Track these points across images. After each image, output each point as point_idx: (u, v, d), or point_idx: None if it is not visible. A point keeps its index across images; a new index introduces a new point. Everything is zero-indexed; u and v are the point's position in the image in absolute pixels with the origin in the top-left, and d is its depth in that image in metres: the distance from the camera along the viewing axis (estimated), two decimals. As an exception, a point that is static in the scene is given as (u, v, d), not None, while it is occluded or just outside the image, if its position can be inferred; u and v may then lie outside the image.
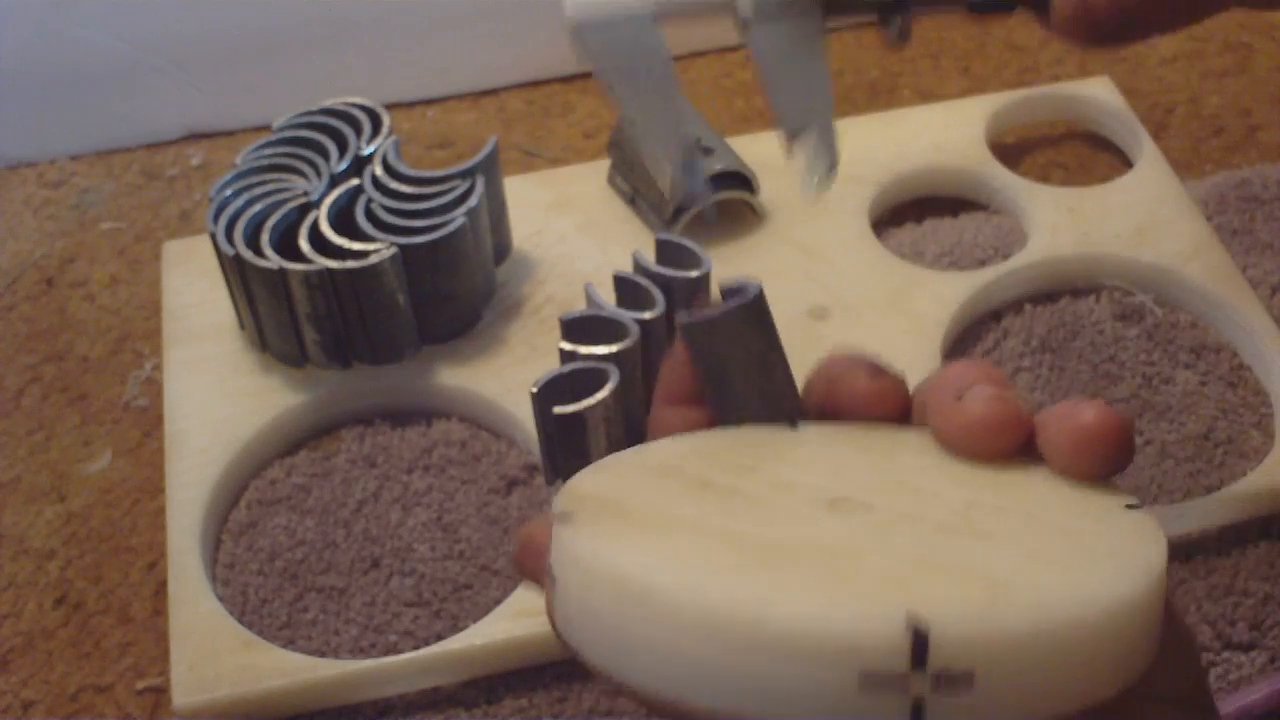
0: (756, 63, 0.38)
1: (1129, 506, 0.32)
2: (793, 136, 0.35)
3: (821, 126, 0.35)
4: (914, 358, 0.66)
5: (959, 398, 0.33)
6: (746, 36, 0.39)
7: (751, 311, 0.34)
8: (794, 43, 0.39)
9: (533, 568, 0.35)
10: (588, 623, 0.30)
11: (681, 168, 0.35)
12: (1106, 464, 0.32)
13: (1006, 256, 0.71)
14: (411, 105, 0.84)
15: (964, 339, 0.69)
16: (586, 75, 0.83)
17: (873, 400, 0.34)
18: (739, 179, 0.71)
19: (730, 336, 0.34)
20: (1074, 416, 0.32)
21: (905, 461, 0.33)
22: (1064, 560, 0.30)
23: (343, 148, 0.68)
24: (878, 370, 0.35)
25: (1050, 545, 0.30)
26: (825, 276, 0.70)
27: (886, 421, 0.35)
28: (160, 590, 0.62)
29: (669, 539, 0.30)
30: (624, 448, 0.36)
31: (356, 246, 0.64)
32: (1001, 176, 0.75)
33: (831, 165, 0.35)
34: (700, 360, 0.35)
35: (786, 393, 0.35)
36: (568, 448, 0.57)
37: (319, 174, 0.68)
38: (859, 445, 0.34)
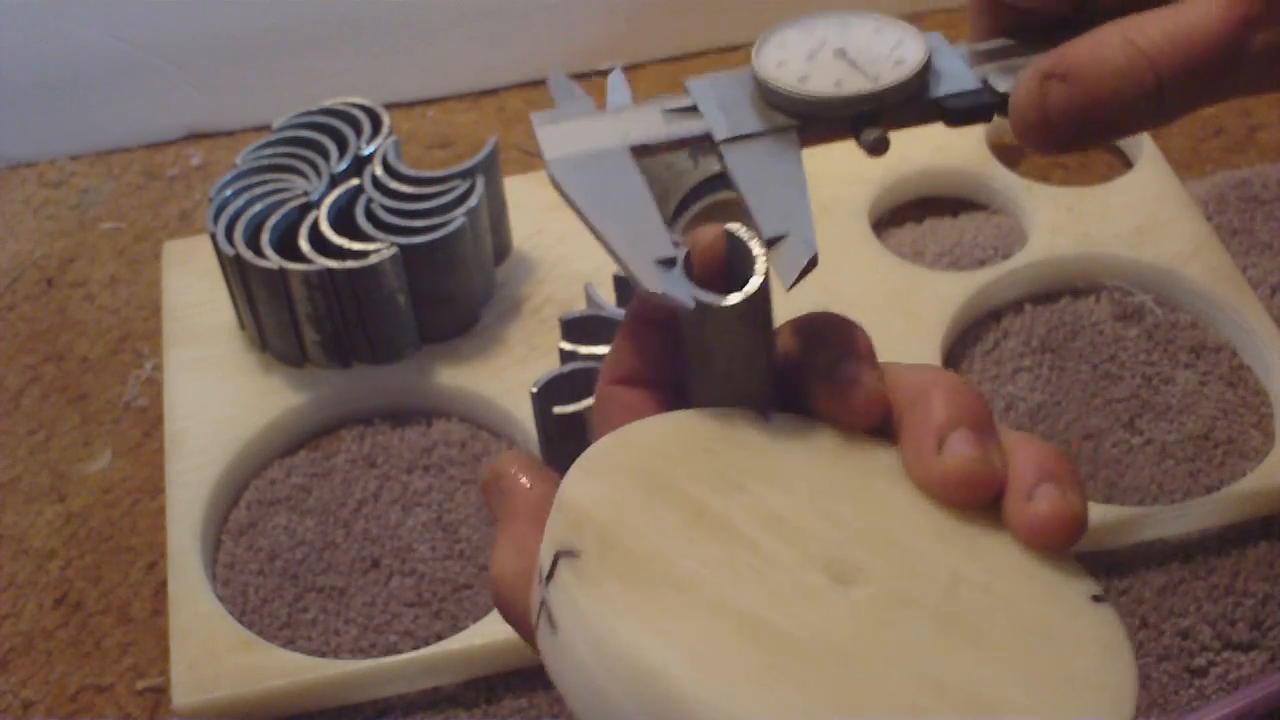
0: (733, 177, 0.38)
1: (1095, 598, 0.33)
2: (771, 242, 0.35)
3: (799, 227, 0.35)
4: (914, 358, 0.66)
5: (939, 444, 0.33)
6: (722, 157, 0.39)
7: (753, 304, 0.34)
8: (771, 158, 0.39)
9: (496, 505, 0.36)
10: (588, 688, 0.30)
11: (655, 274, 0.35)
12: (1057, 548, 0.33)
13: (1006, 256, 0.71)
14: (411, 105, 0.84)
15: (964, 339, 0.69)
16: (587, 76, 0.83)
17: (860, 418, 0.35)
18: (739, 179, 0.71)
19: (725, 326, 0.34)
20: (1028, 509, 0.33)
21: (883, 495, 0.34)
22: (1046, 688, 0.30)
23: (343, 148, 0.68)
24: (875, 385, 0.34)
25: (1033, 662, 0.31)
26: (825, 276, 0.70)
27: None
28: (160, 590, 0.62)
29: (679, 615, 0.30)
30: None
31: (356, 246, 0.64)
32: (1001, 176, 0.75)
33: (810, 264, 0.35)
34: (690, 340, 0.35)
35: (765, 383, 0.35)
36: (568, 448, 0.57)
37: (319, 174, 0.68)
38: (836, 464, 0.34)
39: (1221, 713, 0.55)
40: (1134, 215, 0.72)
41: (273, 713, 0.57)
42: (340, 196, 0.66)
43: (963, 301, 0.68)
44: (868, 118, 0.40)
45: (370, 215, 0.65)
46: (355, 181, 0.67)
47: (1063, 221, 0.72)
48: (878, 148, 0.41)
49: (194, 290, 0.71)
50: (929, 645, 0.31)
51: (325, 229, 0.65)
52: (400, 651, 0.58)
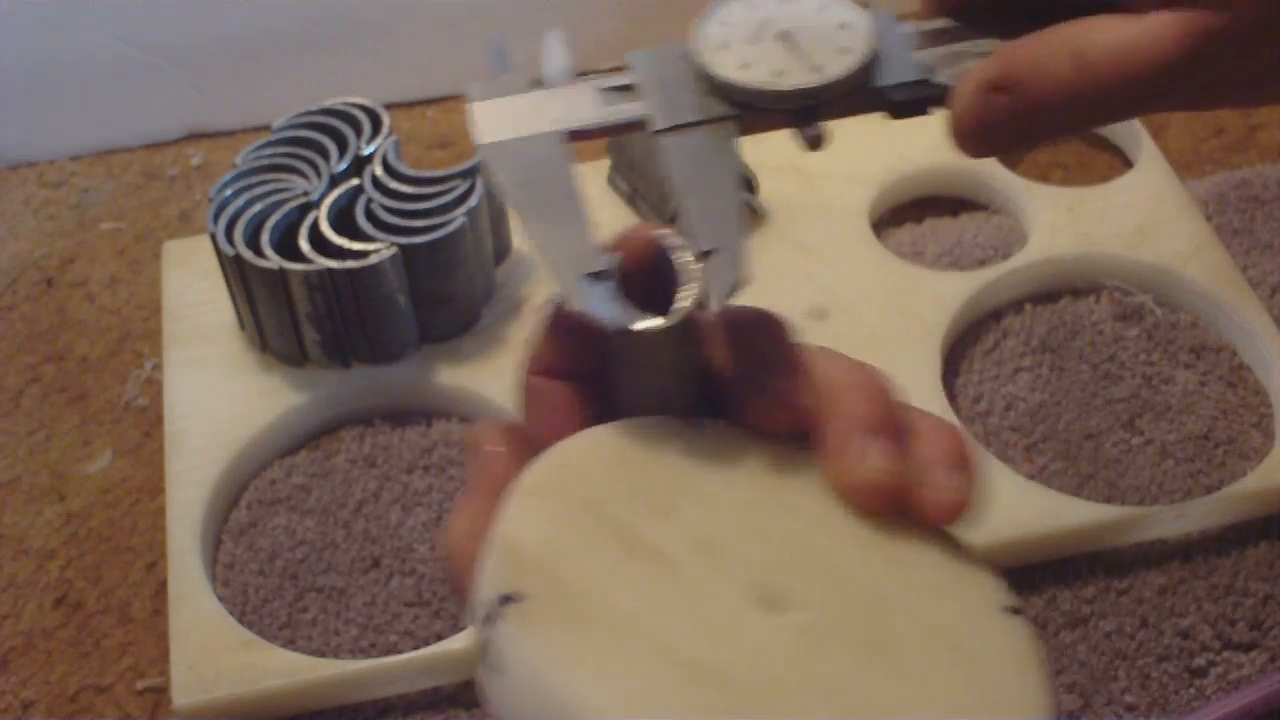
0: (668, 174, 0.38)
1: (1010, 610, 0.34)
2: (702, 256, 0.35)
3: (730, 247, 0.35)
4: (914, 358, 0.66)
5: (853, 451, 0.34)
6: (659, 148, 0.39)
7: (681, 327, 0.34)
8: (707, 153, 0.38)
9: (468, 472, 0.36)
10: None
11: (581, 290, 0.34)
12: (944, 525, 0.34)
13: (1006, 256, 0.71)
14: (411, 105, 0.84)
15: (964, 339, 0.69)
16: (587, 76, 0.83)
17: (783, 427, 0.35)
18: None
19: (652, 346, 0.34)
20: (924, 494, 0.34)
21: (809, 502, 0.34)
22: (963, 710, 0.31)
23: (343, 148, 0.68)
24: (798, 397, 0.35)
25: (951, 684, 0.32)
26: (825, 276, 0.70)
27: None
28: (160, 590, 0.62)
29: (617, 658, 0.30)
30: None
31: (356, 246, 0.64)
32: (1001, 176, 0.75)
33: (735, 285, 0.34)
34: (617, 353, 0.35)
35: (694, 393, 0.36)
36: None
37: (319, 174, 0.68)
38: (764, 472, 0.35)
39: (1221, 713, 0.55)
40: (1134, 215, 0.72)
41: (273, 713, 0.57)
42: (340, 196, 0.66)
43: (963, 301, 0.68)
44: (809, 111, 0.40)
45: (370, 215, 0.65)
46: (355, 181, 0.67)
47: (1063, 221, 0.72)
48: (816, 144, 0.40)
49: (194, 290, 0.71)
50: (853, 673, 0.31)
51: (325, 229, 0.65)
52: (400, 651, 0.58)
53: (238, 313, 0.68)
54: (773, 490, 0.35)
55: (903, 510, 0.34)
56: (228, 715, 0.56)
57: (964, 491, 0.34)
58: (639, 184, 0.72)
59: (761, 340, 0.35)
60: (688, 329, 0.34)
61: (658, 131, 0.39)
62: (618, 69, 0.41)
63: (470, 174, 0.67)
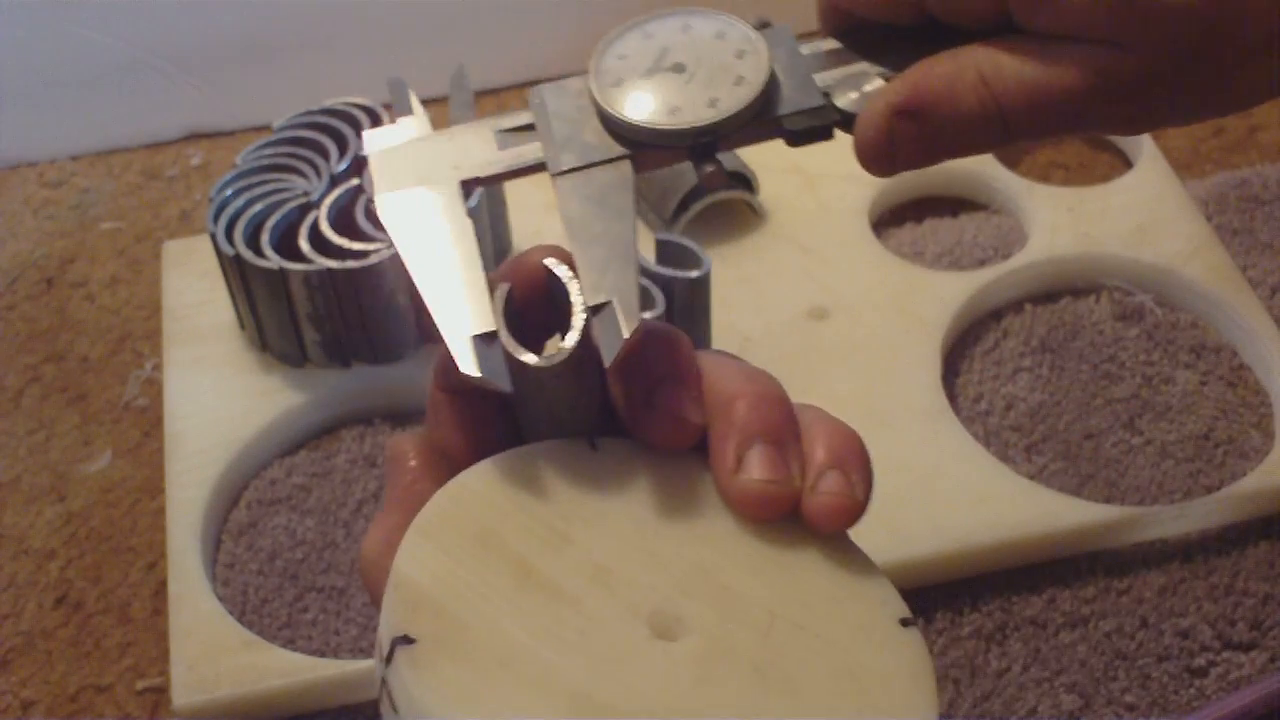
0: (562, 216, 0.37)
1: (903, 622, 0.34)
2: (594, 310, 0.35)
3: (623, 295, 0.35)
4: (914, 358, 0.66)
5: (739, 461, 0.34)
6: (556, 189, 0.38)
7: (571, 361, 0.34)
8: (601, 195, 0.38)
9: (387, 483, 0.37)
10: None
11: (469, 353, 0.34)
12: (836, 531, 0.35)
13: (1006, 256, 0.71)
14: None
15: (964, 339, 0.69)
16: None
17: (677, 444, 0.35)
18: (739, 179, 0.71)
19: (544, 380, 0.35)
20: (813, 498, 0.34)
21: (703, 520, 0.35)
22: None
23: (343, 148, 0.68)
24: (689, 414, 0.35)
25: (842, 703, 0.32)
26: (825, 276, 0.70)
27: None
28: (160, 590, 0.62)
29: (510, 698, 0.31)
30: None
31: (356, 246, 0.64)
32: (1001, 176, 0.75)
33: (625, 341, 0.34)
34: (518, 390, 0.35)
35: (592, 417, 0.36)
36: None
37: (319, 174, 0.68)
38: (659, 492, 0.35)
39: (1221, 713, 0.55)
40: (1134, 215, 0.72)
41: (273, 713, 0.57)
42: (340, 196, 0.66)
43: (963, 301, 0.68)
44: (705, 146, 0.39)
45: (370, 215, 0.65)
46: (355, 181, 0.67)
47: (1063, 221, 0.72)
48: (713, 180, 0.39)
49: (194, 290, 0.71)
50: (745, 698, 0.32)
51: (325, 229, 0.65)
52: (400, 651, 0.58)
53: (238, 313, 0.68)
54: (670, 509, 0.35)
55: (793, 517, 0.34)
56: (228, 715, 0.56)
57: (848, 496, 0.34)
58: (639, 184, 0.72)
59: (651, 356, 0.35)
60: (580, 361, 0.35)
61: (554, 177, 0.38)
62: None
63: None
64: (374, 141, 0.40)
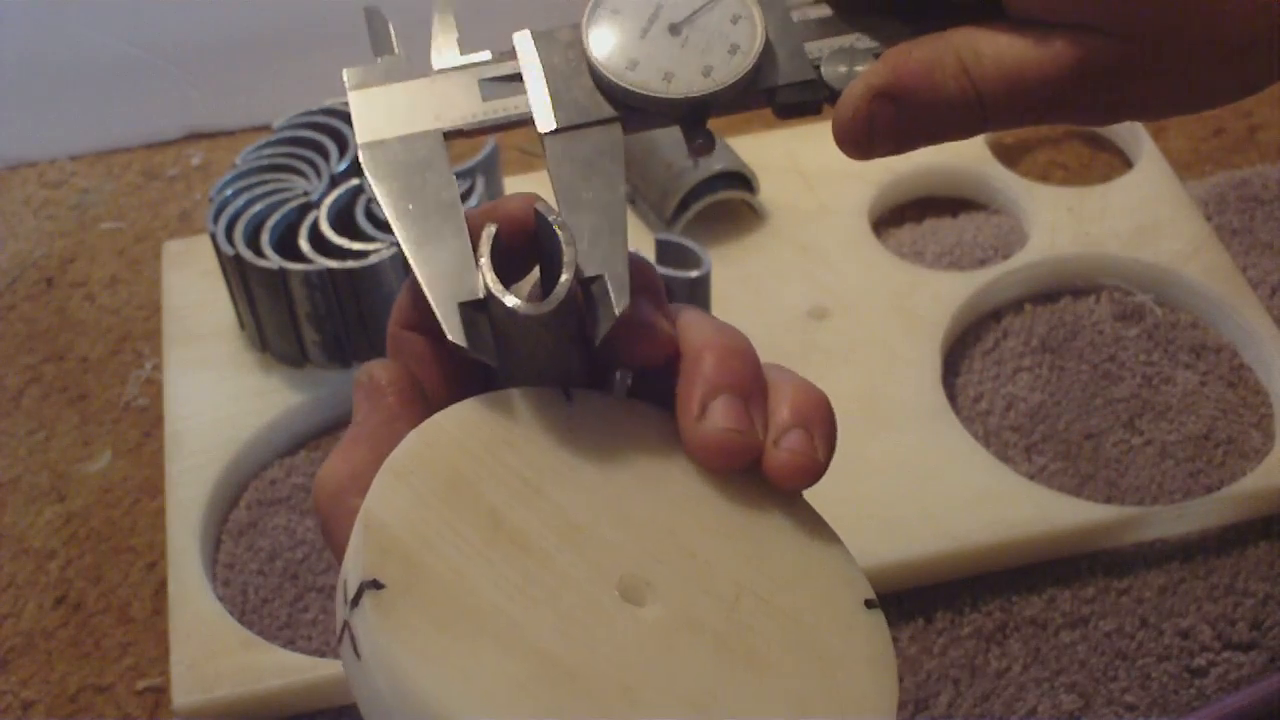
0: (551, 176, 0.37)
1: (868, 603, 0.34)
2: (587, 281, 0.34)
3: (614, 270, 0.34)
4: (914, 358, 0.66)
5: (703, 410, 0.34)
6: (544, 150, 0.38)
7: (557, 314, 0.34)
8: (593, 160, 0.37)
9: (355, 410, 0.37)
10: (385, 717, 0.31)
11: (456, 321, 0.34)
12: (795, 490, 0.35)
13: (1006, 256, 0.71)
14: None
15: (964, 339, 0.69)
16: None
17: (651, 360, 0.35)
18: (739, 179, 0.71)
19: (529, 327, 0.34)
20: (775, 454, 0.34)
21: (674, 480, 0.35)
22: (812, 710, 0.32)
23: (343, 148, 0.68)
24: (663, 328, 0.35)
25: (803, 683, 0.32)
26: (825, 276, 0.70)
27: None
28: (160, 590, 0.62)
29: (476, 653, 0.31)
30: None
31: (356, 246, 0.64)
32: (1001, 176, 0.75)
33: (618, 315, 0.34)
34: (498, 333, 0.35)
35: (570, 367, 0.36)
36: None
37: (319, 174, 0.68)
38: (632, 448, 0.35)
39: (1221, 713, 0.55)
40: (1134, 215, 0.72)
41: (273, 713, 0.57)
42: (340, 196, 0.66)
43: (963, 301, 0.68)
44: (697, 115, 0.38)
45: (370, 215, 0.65)
46: (355, 181, 0.67)
47: (1063, 221, 0.72)
48: (703, 149, 0.39)
49: (194, 290, 0.71)
50: (708, 671, 0.32)
51: (325, 229, 0.65)
52: (400, 651, 0.58)
53: (238, 313, 0.68)
54: (643, 469, 0.35)
55: (754, 470, 0.34)
56: (228, 715, 0.56)
57: (809, 455, 0.34)
58: (639, 183, 0.72)
59: (636, 280, 0.35)
60: (565, 313, 0.34)
61: (543, 135, 0.38)
62: (506, 54, 0.39)
63: (470, 174, 0.67)
64: (354, 79, 0.38)
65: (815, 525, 0.35)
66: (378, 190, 0.36)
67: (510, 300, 0.33)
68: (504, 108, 0.38)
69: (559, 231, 0.34)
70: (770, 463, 0.34)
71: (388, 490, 0.33)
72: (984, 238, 0.73)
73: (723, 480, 0.35)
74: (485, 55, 0.40)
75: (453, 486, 0.33)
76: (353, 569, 0.32)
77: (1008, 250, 0.72)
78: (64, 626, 0.61)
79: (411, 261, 0.35)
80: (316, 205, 0.66)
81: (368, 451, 0.35)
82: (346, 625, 0.32)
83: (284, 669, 0.57)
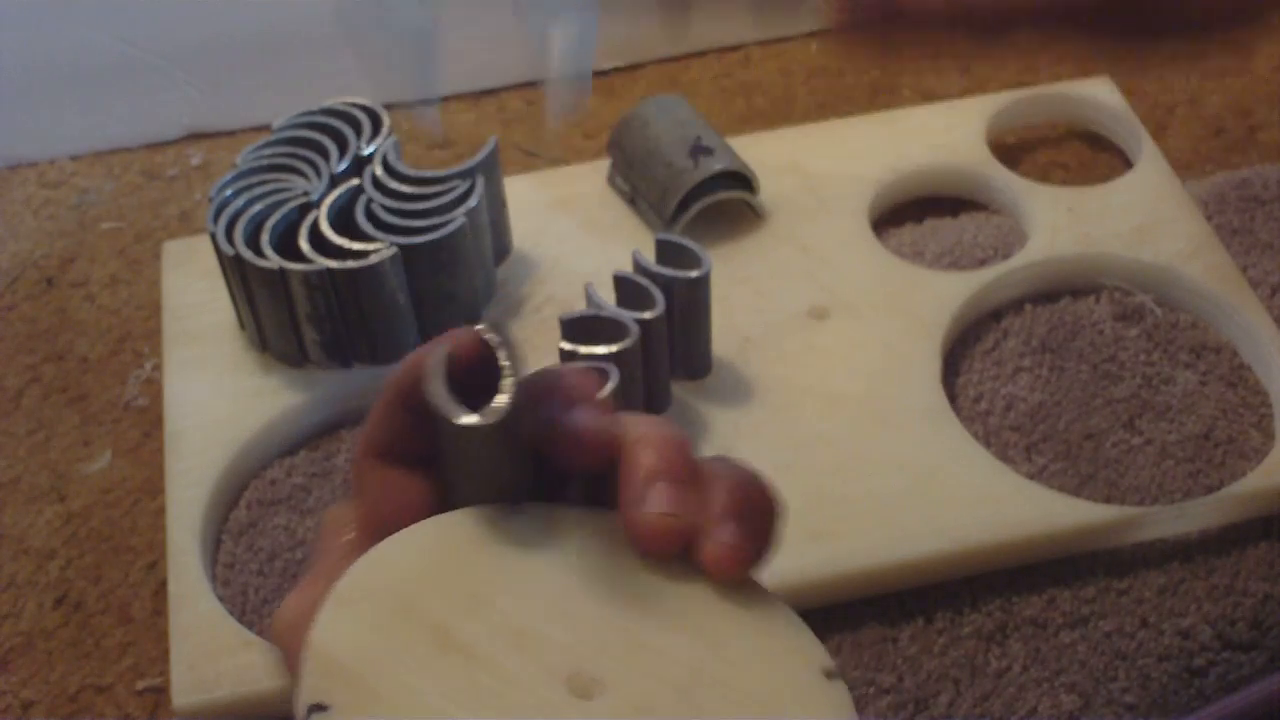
0: None
1: (826, 673, 0.34)
2: (542, 28, 0.33)
3: (583, 21, 0.33)
4: (914, 358, 0.66)
5: (640, 498, 0.34)
6: None
7: (500, 425, 0.34)
8: None
9: (314, 551, 0.36)
10: None
11: (426, 117, 0.33)
12: (730, 580, 0.35)
13: (1006, 256, 0.71)
14: (412, 105, 0.84)
15: (964, 339, 0.69)
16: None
17: (590, 457, 0.35)
18: (739, 179, 0.71)
19: (473, 442, 0.35)
20: (706, 546, 0.34)
21: (622, 577, 0.35)
22: None
23: (343, 148, 0.68)
24: (601, 424, 0.35)
25: None
26: (825, 276, 0.70)
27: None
28: (160, 590, 0.62)
29: None
30: None
31: (356, 246, 0.64)
32: (1001, 176, 0.75)
33: (584, 85, 0.33)
34: (447, 453, 0.35)
35: (517, 481, 0.36)
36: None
37: (319, 174, 0.68)
38: (580, 552, 0.35)
39: (1221, 713, 0.55)
40: (1134, 215, 0.72)
41: (273, 713, 0.57)
42: (340, 196, 0.66)
43: (963, 301, 0.68)
44: None
45: (370, 215, 0.65)
46: (355, 181, 0.67)
47: (1063, 221, 0.72)
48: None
49: (194, 290, 0.71)
50: None
51: (325, 229, 0.65)
52: (400, 651, 0.58)
53: (238, 313, 0.68)
54: (592, 571, 0.35)
55: (689, 558, 0.35)
56: (227, 715, 0.56)
57: (739, 547, 0.34)
58: (639, 184, 0.72)
59: (569, 384, 0.36)
60: (510, 421, 0.35)
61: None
62: None
63: (470, 174, 0.67)
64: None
65: (767, 603, 0.35)
66: (358, 49, 0.36)
67: (455, 414, 0.34)
68: None
69: (498, 352, 0.35)
70: (703, 553, 0.34)
71: (332, 617, 0.34)
72: (984, 238, 0.73)
73: (671, 570, 0.35)
74: None
75: (398, 608, 0.34)
76: (300, 695, 0.33)
77: (1008, 250, 0.72)
78: (64, 626, 0.61)
79: (386, 89, 0.35)
80: (316, 205, 0.66)
81: (324, 587, 0.35)
82: None
83: (284, 669, 0.57)
